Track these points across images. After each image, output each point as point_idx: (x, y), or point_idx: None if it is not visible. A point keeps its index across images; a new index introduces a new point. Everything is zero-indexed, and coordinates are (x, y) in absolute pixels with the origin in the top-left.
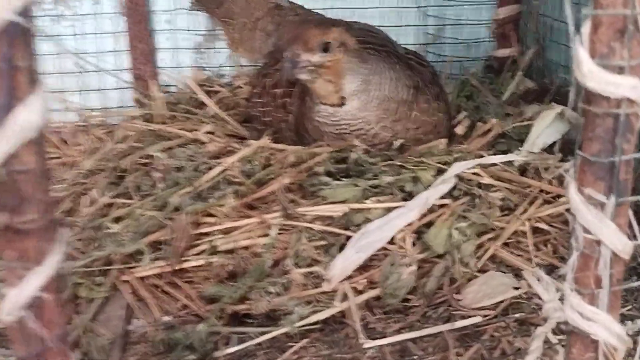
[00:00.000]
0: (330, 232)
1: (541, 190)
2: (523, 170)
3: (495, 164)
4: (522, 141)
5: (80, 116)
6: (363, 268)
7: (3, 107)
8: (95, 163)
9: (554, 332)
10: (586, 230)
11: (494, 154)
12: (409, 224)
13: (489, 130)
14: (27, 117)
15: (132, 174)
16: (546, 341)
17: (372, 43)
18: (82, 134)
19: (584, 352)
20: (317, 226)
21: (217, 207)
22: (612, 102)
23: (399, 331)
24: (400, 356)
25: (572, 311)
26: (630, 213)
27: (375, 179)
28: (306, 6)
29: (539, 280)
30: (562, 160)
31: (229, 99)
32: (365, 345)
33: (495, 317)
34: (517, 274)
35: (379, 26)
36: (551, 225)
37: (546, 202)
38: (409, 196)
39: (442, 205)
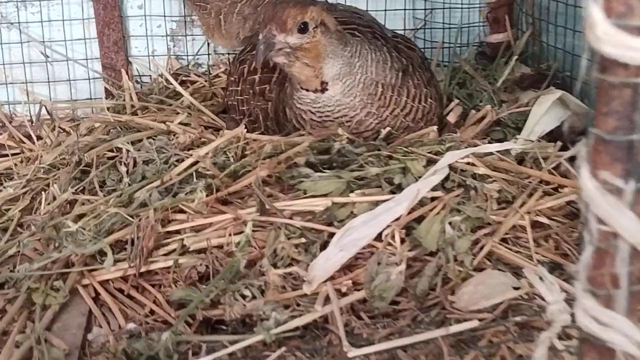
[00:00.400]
0: (311, 228)
1: (541, 181)
2: (520, 159)
3: (491, 153)
4: (518, 129)
5: (47, 108)
6: (347, 268)
7: None
8: (58, 157)
9: (560, 337)
10: (601, 221)
11: (489, 143)
12: (398, 219)
13: (483, 118)
14: None
15: (97, 168)
16: (551, 347)
17: (356, 24)
18: (47, 128)
19: None
20: (297, 222)
21: (187, 202)
22: (631, 69)
23: (387, 337)
24: None
25: (585, 315)
26: None
27: (360, 170)
28: None
29: (541, 279)
30: (562, 149)
31: (205, 89)
32: (350, 354)
33: (494, 320)
34: (517, 272)
35: (366, 10)
36: (552, 219)
37: (546, 193)
38: (397, 189)
39: (433, 198)
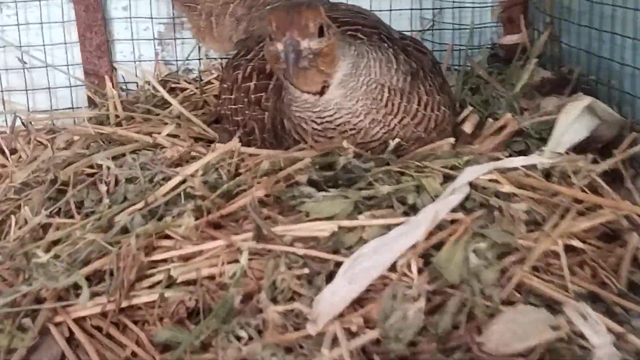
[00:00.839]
0: (315, 257)
1: (573, 200)
2: (546, 174)
3: (515, 168)
4: (542, 140)
5: (22, 119)
6: (357, 303)
7: None
8: (31, 174)
9: None
10: None
11: (511, 155)
12: (414, 246)
13: (503, 127)
14: None
15: (74, 188)
16: None
17: (360, 25)
18: (23, 140)
19: None
20: (299, 250)
21: (174, 227)
22: None
23: None
24: None
25: None
26: None
27: (369, 188)
28: None
29: (583, 317)
30: (594, 162)
31: (196, 96)
32: None
33: None
34: (551, 306)
35: (370, 9)
36: (586, 242)
37: (579, 213)
38: (411, 210)
39: (453, 221)
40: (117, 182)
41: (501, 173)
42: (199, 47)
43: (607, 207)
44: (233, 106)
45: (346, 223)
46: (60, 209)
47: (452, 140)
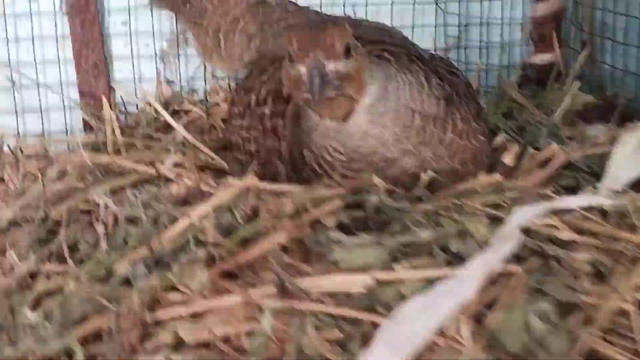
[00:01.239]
0: (348, 317)
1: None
2: (602, 215)
3: (570, 209)
4: (594, 174)
5: (10, 145)
6: None
7: None
8: (19, 211)
9: None
10: None
11: (558, 192)
12: (464, 305)
13: (548, 159)
14: None
15: (67, 228)
16: None
17: (386, 43)
18: (10, 169)
19: None
20: (329, 308)
21: (183, 279)
22: None
23: None
24: None
25: None
26: None
27: (405, 232)
28: (300, 3)
29: None
30: None
31: (202, 120)
32: None
33: None
34: None
35: (391, 25)
36: None
37: None
38: (454, 258)
39: (505, 274)
40: (116, 221)
41: (554, 214)
42: (205, 66)
43: None
44: (245, 134)
45: (383, 275)
46: (51, 253)
47: (498, 176)
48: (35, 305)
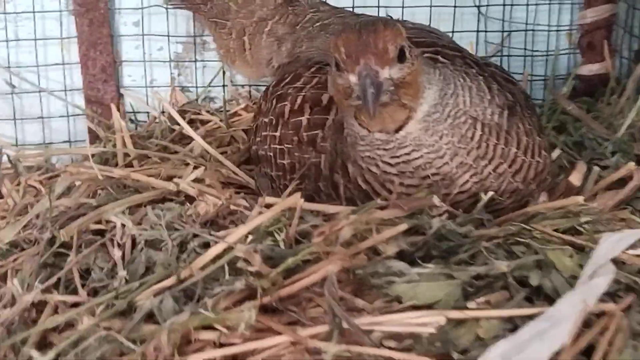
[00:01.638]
0: None
1: None
2: None
3: None
4: None
5: (9, 156)
6: None
7: None
8: (22, 232)
9: None
10: None
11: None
12: (558, 351)
13: (622, 180)
14: None
15: (78, 252)
16: None
17: (439, 46)
18: (10, 183)
19: None
20: (395, 353)
21: (221, 316)
22: None
23: None
24: None
25: None
26: None
27: (475, 262)
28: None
29: None
30: None
31: (221, 131)
32: None
33: None
34: None
35: None
36: None
37: None
38: (535, 294)
39: (599, 314)
40: (133, 245)
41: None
42: (223, 72)
43: None
44: (278, 145)
45: (456, 314)
46: (59, 279)
47: (580, 199)
48: (42, 343)
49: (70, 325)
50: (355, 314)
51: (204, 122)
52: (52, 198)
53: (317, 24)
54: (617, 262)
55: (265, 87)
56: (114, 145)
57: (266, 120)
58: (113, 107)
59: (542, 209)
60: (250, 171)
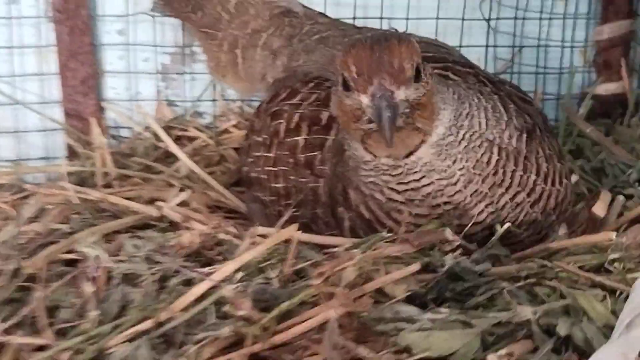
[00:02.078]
0: None
1: None
2: None
3: None
4: None
5: None
6: None
7: None
8: None
9: None
10: None
11: None
12: None
13: None
14: None
15: (45, 286)
16: None
17: (449, 62)
18: None
19: None
20: None
21: None
22: None
23: None
24: None
25: None
26: None
27: (494, 307)
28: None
29: None
30: None
31: (210, 148)
32: None
33: None
34: None
35: None
36: None
37: None
38: (564, 346)
39: None
40: (109, 279)
41: None
42: (214, 85)
43: None
44: (271, 167)
45: None
46: (24, 318)
47: (612, 235)
48: None
49: None
50: None
51: (191, 139)
52: (19, 223)
53: (316, 36)
54: None
55: (258, 102)
56: (93, 164)
57: (259, 139)
58: (93, 121)
59: (568, 245)
60: (241, 194)
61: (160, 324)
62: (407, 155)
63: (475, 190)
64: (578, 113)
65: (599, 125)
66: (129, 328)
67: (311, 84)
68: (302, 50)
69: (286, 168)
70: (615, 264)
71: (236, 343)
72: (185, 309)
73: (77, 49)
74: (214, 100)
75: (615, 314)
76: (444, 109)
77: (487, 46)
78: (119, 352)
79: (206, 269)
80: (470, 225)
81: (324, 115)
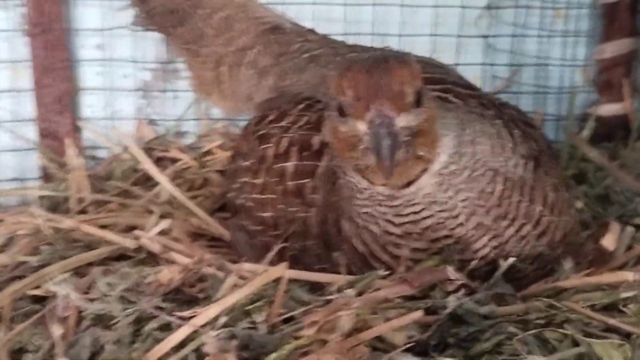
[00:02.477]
0: None
1: None
2: None
3: None
4: None
5: None
6: None
7: None
8: None
9: None
10: None
11: None
12: None
13: None
14: None
15: (10, 327)
16: None
17: (449, 83)
18: None
19: None
20: None
21: None
22: None
23: None
24: None
25: None
26: None
27: (501, 354)
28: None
29: None
30: None
31: (193, 171)
32: None
33: None
34: None
35: None
36: None
37: None
38: None
39: None
40: (79, 320)
41: None
42: (197, 104)
43: None
44: (259, 195)
45: None
46: None
47: (628, 275)
48: None
49: None
50: None
51: (173, 161)
52: None
53: (306, 54)
54: None
55: (245, 122)
56: (68, 187)
57: (246, 164)
58: (69, 141)
59: (579, 284)
60: (226, 220)
61: None
62: (407, 185)
63: (478, 223)
64: (580, 135)
65: (602, 148)
66: None
67: (301, 106)
68: (291, 69)
69: (274, 196)
70: (630, 305)
71: None
72: (163, 358)
73: (52, 65)
74: (197, 119)
75: None
76: (446, 135)
77: (484, 64)
78: None
79: (186, 313)
80: (471, 259)
81: (316, 140)
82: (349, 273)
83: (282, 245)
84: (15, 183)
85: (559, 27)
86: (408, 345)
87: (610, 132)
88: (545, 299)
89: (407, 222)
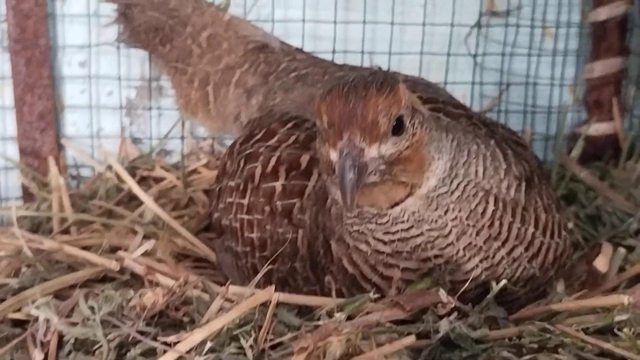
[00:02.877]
0: None
1: None
2: None
3: None
4: None
5: None
6: None
7: None
8: None
9: None
10: None
11: None
12: None
13: None
14: None
15: None
16: None
17: (440, 102)
18: None
19: None
20: None
21: None
22: None
23: None
24: None
25: None
26: None
27: None
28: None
29: None
30: None
31: (178, 190)
32: None
33: None
34: None
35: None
36: None
37: None
38: None
39: None
40: (61, 345)
41: None
42: (182, 122)
43: None
44: (245, 216)
45: None
46: None
47: (624, 299)
48: None
49: None
50: None
51: (157, 180)
52: None
53: (293, 73)
54: None
55: (231, 140)
56: (50, 206)
57: (232, 184)
58: (51, 160)
59: (573, 307)
60: (211, 240)
61: None
62: (392, 206)
63: (469, 243)
64: (569, 155)
65: (592, 167)
66: None
67: (289, 124)
68: (279, 89)
69: (261, 217)
70: (625, 329)
71: None
72: None
73: (34, 82)
74: (182, 137)
75: None
76: (438, 158)
77: (473, 83)
78: None
79: (171, 338)
80: (462, 281)
81: (304, 159)
82: (339, 295)
83: (270, 267)
84: None
85: (548, 46)
86: None
87: (600, 152)
88: (538, 323)
89: (397, 240)
